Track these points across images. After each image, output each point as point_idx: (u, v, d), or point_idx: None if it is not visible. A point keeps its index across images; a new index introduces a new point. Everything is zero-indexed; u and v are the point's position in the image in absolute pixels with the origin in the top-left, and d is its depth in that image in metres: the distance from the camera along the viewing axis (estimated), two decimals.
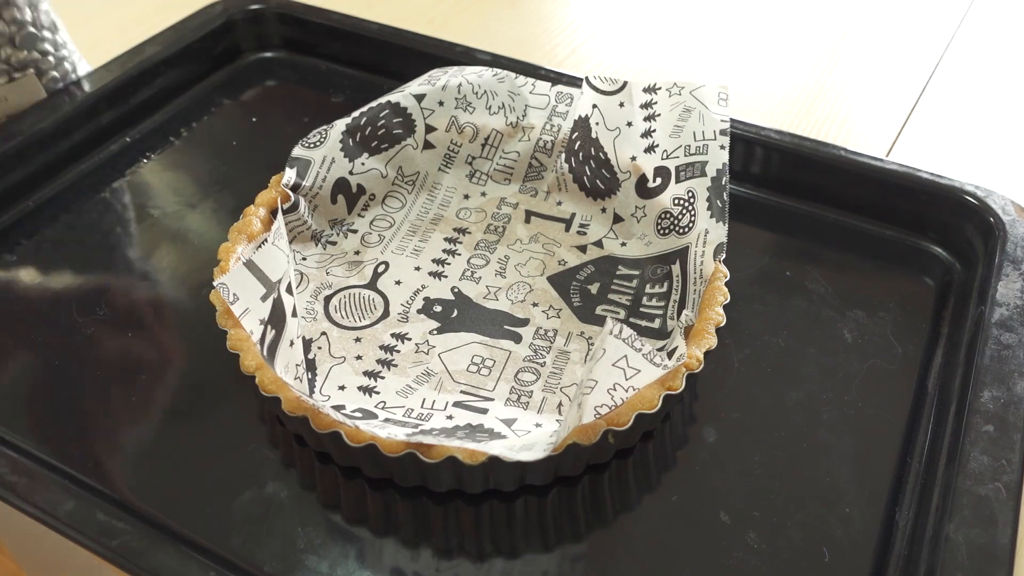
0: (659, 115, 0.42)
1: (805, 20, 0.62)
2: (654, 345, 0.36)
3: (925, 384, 0.36)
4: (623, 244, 0.41)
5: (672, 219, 0.39)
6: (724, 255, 0.36)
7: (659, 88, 0.42)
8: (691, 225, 0.38)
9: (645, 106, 0.42)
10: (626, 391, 0.29)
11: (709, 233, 0.37)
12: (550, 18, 0.63)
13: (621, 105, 0.43)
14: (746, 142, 0.44)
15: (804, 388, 0.36)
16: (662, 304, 0.38)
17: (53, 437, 0.34)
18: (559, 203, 0.43)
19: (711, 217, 0.37)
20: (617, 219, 0.42)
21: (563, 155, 0.43)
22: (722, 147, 0.39)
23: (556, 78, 0.47)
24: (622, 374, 0.29)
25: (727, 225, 0.36)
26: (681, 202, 0.39)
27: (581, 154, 0.43)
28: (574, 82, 0.46)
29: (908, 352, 0.37)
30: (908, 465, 0.33)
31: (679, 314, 0.36)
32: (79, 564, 0.35)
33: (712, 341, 0.33)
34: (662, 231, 0.40)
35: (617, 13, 0.64)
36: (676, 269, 0.38)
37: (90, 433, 0.34)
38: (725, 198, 0.37)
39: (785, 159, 0.44)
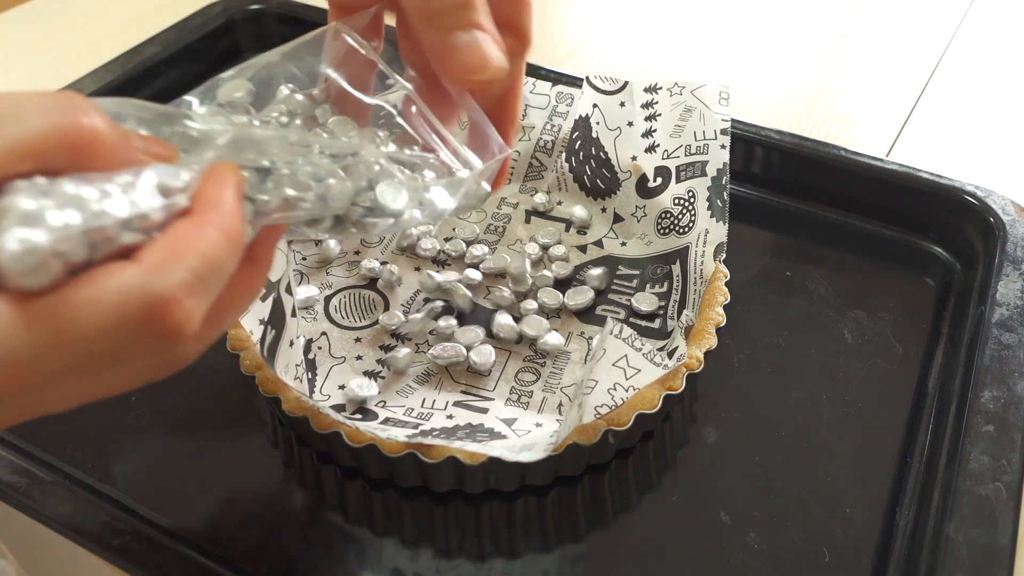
0: (660, 115, 0.42)
1: (805, 20, 0.62)
2: (654, 345, 0.36)
3: (925, 384, 0.36)
4: (623, 244, 0.41)
5: (672, 219, 0.39)
6: (724, 255, 0.36)
7: (660, 88, 0.42)
8: (691, 225, 0.38)
9: (646, 106, 0.42)
10: (626, 391, 0.29)
11: (709, 233, 0.37)
12: (550, 18, 0.63)
13: (622, 105, 0.42)
14: (746, 142, 0.44)
15: (804, 388, 0.35)
16: (662, 304, 0.38)
17: (54, 438, 0.34)
18: (559, 203, 0.43)
19: (711, 217, 0.37)
20: (617, 219, 0.42)
21: (563, 155, 0.43)
22: (723, 147, 0.39)
23: (556, 78, 0.47)
24: (622, 374, 0.29)
25: (727, 225, 0.36)
26: (681, 202, 0.39)
27: (581, 154, 0.43)
28: (574, 82, 0.46)
29: (908, 352, 0.37)
30: (908, 465, 0.33)
31: (679, 314, 0.36)
32: (79, 564, 0.35)
33: (712, 341, 0.33)
34: (662, 231, 0.40)
35: (617, 13, 0.64)
36: (676, 269, 0.38)
37: (89, 433, 0.34)
38: (725, 198, 0.37)
39: (785, 159, 0.44)
